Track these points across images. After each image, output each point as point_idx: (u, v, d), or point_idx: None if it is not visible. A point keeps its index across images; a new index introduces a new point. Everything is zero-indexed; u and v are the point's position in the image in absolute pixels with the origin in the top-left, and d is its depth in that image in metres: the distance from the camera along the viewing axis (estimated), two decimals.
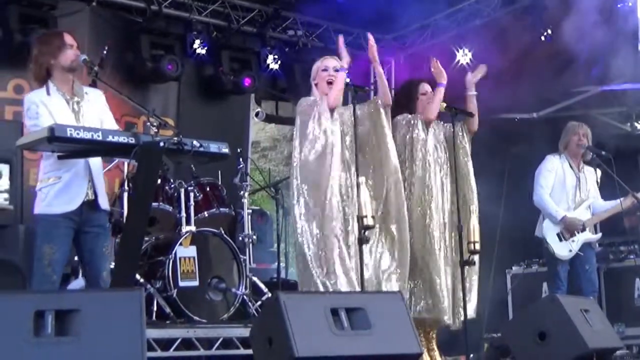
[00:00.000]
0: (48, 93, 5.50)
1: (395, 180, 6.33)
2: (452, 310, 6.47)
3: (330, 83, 6.28)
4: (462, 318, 6.45)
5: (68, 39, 5.63)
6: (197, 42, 10.25)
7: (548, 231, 7.66)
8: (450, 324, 6.49)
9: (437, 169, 6.67)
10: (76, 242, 5.60)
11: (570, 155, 7.88)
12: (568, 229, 7.65)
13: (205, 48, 10.33)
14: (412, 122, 6.67)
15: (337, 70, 6.33)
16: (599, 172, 8.68)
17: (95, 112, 5.65)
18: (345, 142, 6.27)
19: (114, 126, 5.79)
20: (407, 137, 6.64)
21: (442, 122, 6.88)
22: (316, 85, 6.39)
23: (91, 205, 5.54)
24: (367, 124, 6.41)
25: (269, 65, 10.94)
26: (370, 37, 6.50)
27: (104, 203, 5.66)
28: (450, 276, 6.53)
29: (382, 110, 6.41)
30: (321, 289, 5.91)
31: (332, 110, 6.23)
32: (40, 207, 5.47)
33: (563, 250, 7.63)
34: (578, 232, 7.70)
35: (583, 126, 7.96)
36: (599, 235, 8.01)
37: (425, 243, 6.47)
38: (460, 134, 6.86)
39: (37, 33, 8.62)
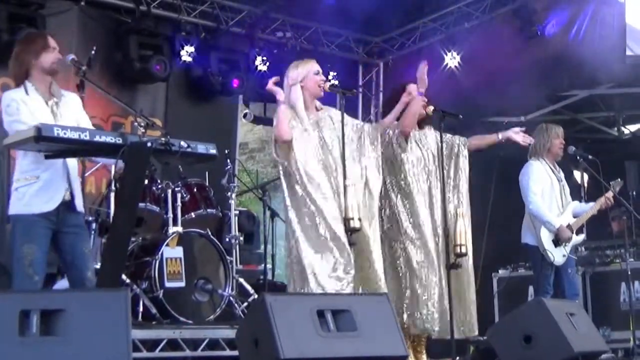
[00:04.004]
0: (27, 93, 5.48)
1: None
2: (441, 318, 6.44)
3: (320, 87, 6.24)
4: (464, 327, 6.52)
5: (52, 41, 5.60)
6: (185, 50, 10.24)
7: (545, 238, 7.64)
8: (436, 334, 6.48)
9: (422, 178, 6.63)
10: (55, 244, 5.55)
11: (550, 159, 7.85)
12: (561, 238, 7.65)
13: (192, 56, 10.34)
14: (391, 135, 6.59)
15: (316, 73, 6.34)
16: (586, 175, 8.70)
17: (71, 114, 5.62)
18: (327, 146, 6.19)
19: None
20: (388, 149, 6.59)
21: (433, 130, 6.81)
22: (302, 87, 6.28)
23: (67, 206, 5.50)
24: (362, 142, 6.36)
25: (257, 66, 10.94)
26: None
27: (80, 205, 5.61)
28: (438, 285, 6.49)
29: (395, 143, 6.40)
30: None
31: (306, 108, 6.21)
32: (18, 206, 5.42)
33: (559, 256, 7.64)
34: (571, 238, 7.71)
35: (561, 128, 7.95)
36: (583, 235, 8.04)
37: (416, 252, 6.46)
38: (462, 147, 6.83)
39: (25, 32, 8.62)
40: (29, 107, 5.40)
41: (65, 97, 5.67)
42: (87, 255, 5.56)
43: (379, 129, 6.45)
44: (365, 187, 6.23)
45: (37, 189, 5.40)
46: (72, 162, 5.58)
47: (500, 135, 6.87)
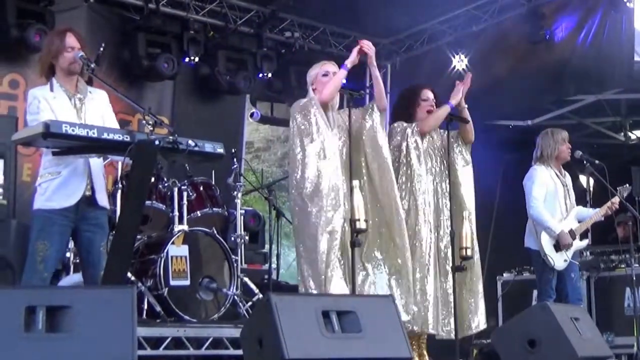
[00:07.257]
0: (52, 89, 5.51)
1: (392, 188, 6.32)
2: (437, 319, 6.46)
3: None
4: (449, 327, 6.50)
5: (70, 40, 5.59)
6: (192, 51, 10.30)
7: (545, 243, 7.64)
8: (435, 334, 6.49)
9: (431, 178, 6.66)
10: (74, 240, 5.61)
11: (555, 164, 7.84)
12: (562, 244, 7.64)
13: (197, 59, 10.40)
14: (407, 131, 6.63)
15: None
16: (591, 180, 8.68)
17: (98, 111, 5.66)
18: (340, 146, 6.24)
19: (116, 127, 5.78)
20: (401, 145, 6.61)
21: (439, 130, 6.86)
22: (314, 90, 6.35)
23: (89, 201, 5.54)
24: (362, 129, 6.39)
25: (264, 66, 10.92)
26: (366, 43, 6.52)
27: (102, 200, 5.65)
28: (438, 285, 6.51)
29: (378, 115, 6.40)
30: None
31: (325, 109, 6.23)
32: (40, 201, 5.47)
33: (560, 260, 7.64)
34: (572, 244, 7.70)
35: (565, 132, 7.94)
36: (587, 240, 8.05)
37: (415, 251, 6.46)
38: (456, 143, 6.84)
39: (33, 28, 8.65)
40: (50, 105, 5.42)
41: (92, 93, 5.71)
42: (103, 253, 5.58)
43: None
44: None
45: (58, 185, 5.43)
46: (96, 159, 5.60)
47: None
